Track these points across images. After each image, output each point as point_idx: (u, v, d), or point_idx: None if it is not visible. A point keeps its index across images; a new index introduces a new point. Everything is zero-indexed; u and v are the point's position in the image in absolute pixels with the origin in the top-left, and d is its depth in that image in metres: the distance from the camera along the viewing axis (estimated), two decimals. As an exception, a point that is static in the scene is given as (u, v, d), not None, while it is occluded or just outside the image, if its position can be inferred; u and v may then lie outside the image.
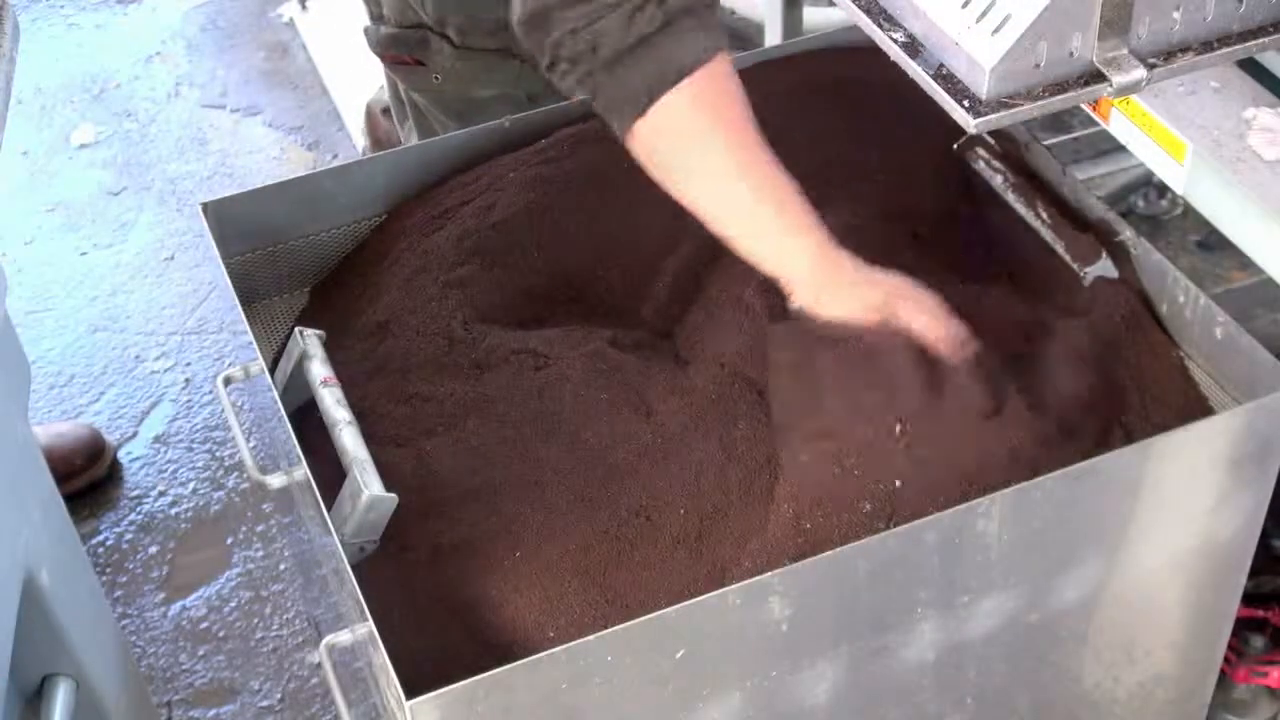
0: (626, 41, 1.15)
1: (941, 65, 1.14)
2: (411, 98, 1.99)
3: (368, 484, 1.24)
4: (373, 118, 2.74)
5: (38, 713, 1.40)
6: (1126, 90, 1.12)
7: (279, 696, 2.01)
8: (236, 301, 1.44)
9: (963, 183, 1.58)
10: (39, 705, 1.40)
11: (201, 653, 2.06)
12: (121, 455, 2.35)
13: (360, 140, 2.86)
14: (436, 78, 1.89)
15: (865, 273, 1.27)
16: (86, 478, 2.27)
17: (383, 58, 1.94)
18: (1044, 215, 1.50)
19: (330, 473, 1.28)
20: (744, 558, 1.24)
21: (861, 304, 1.25)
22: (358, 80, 2.94)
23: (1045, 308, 1.44)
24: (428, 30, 1.85)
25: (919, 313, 1.25)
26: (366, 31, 1.93)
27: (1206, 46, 1.14)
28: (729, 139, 1.20)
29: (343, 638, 1.24)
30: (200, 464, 2.34)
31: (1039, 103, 1.11)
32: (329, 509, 1.26)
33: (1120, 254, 1.46)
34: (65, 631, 1.39)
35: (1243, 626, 1.66)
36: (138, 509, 2.27)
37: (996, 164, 1.56)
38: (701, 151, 1.20)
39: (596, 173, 1.56)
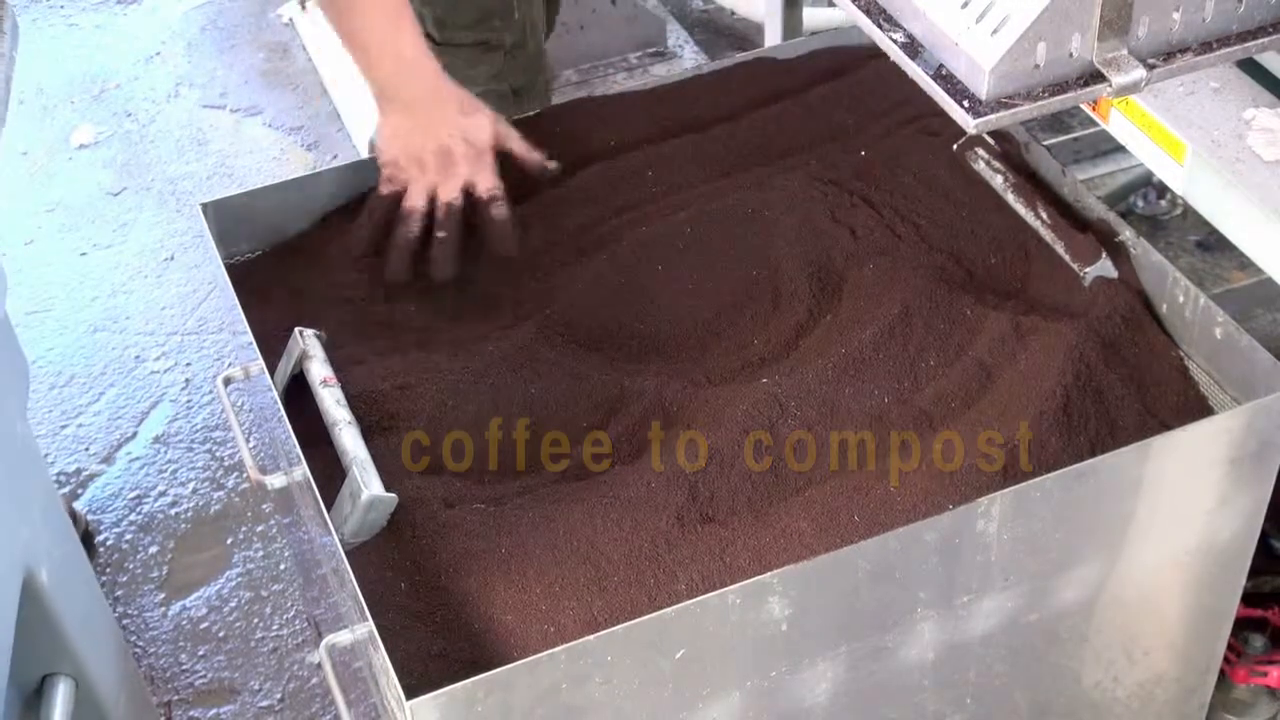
0: None
1: (941, 66, 1.14)
2: None
3: (368, 484, 1.24)
4: None
5: (37, 712, 1.40)
6: (1126, 90, 1.12)
7: (279, 696, 2.00)
8: (236, 301, 1.44)
9: (963, 183, 1.58)
10: (38, 704, 1.40)
11: (201, 653, 2.06)
12: (121, 455, 2.35)
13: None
14: None
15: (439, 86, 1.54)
16: None
17: None
18: (1044, 215, 1.50)
19: (330, 473, 1.28)
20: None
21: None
22: (358, 80, 2.93)
23: (1044, 308, 1.44)
24: None
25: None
26: None
27: (1205, 47, 1.14)
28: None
29: (343, 638, 1.24)
30: (200, 464, 2.33)
31: (1038, 103, 1.11)
32: (329, 509, 1.26)
33: (1120, 254, 1.46)
34: (65, 630, 1.39)
35: (1243, 626, 1.66)
36: (138, 509, 2.27)
37: (996, 164, 1.56)
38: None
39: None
